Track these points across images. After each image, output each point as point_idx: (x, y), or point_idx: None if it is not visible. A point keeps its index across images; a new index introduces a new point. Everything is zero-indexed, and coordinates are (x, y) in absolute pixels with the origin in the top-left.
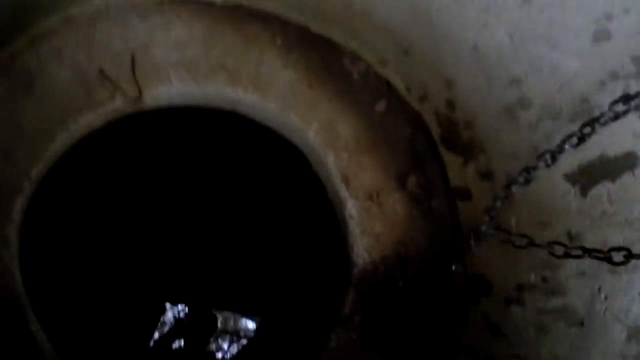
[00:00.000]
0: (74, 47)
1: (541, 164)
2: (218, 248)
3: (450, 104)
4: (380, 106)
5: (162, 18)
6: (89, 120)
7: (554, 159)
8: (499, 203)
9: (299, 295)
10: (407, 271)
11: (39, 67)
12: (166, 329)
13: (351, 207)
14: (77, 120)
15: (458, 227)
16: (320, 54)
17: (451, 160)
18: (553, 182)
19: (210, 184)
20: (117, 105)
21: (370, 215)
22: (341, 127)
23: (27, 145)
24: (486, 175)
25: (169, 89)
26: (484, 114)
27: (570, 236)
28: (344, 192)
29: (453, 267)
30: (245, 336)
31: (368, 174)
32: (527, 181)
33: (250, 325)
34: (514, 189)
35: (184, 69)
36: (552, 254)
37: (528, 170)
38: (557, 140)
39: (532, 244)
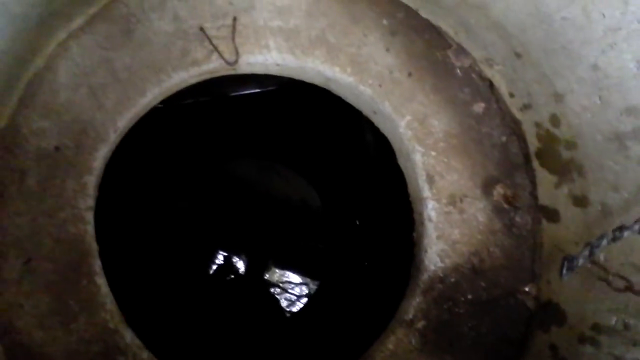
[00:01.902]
0: (177, 3)
1: None
2: (278, 225)
3: (555, 119)
4: (479, 107)
5: None
6: (181, 78)
7: None
8: (604, 242)
9: (362, 287)
10: (478, 284)
11: (141, 15)
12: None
13: (431, 209)
14: (170, 76)
15: (539, 247)
16: (425, 42)
17: (544, 178)
18: None
19: (285, 155)
20: (212, 67)
21: (449, 221)
22: (434, 123)
23: (117, 94)
24: (580, 201)
25: (266, 58)
26: (590, 138)
27: None
28: (426, 192)
29: (527, 289)
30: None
31: (454, 177)
32: None
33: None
34: (626, 234)
35: (284, 37)
36: None
37: None
38: None
39: (630, 289)
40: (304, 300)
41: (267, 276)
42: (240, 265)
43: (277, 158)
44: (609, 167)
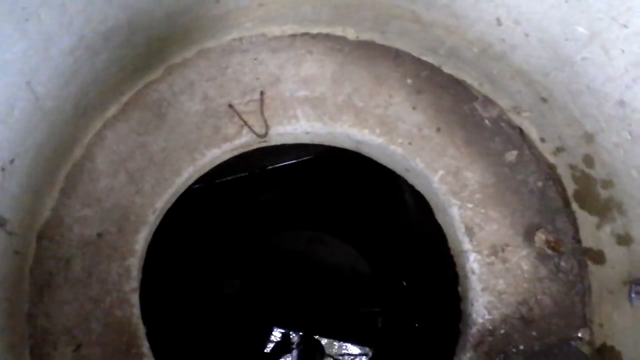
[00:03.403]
0: (206, 80)
1: None
2: (330, 293)
3: (589, 160)
4: (512, 156)
5: (293, 53)
6: (215, 155)
7: None
8: None
9: (415, 349)
10: (529, 334)
11: (172, 99)
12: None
13: (473, 262)
14: (204, 154)
15: (588, 291)
16: (451, 97)
17: (585, 219)
18: None
19: (328, 223)
20: (244, 141)
21: (493, 272)
22: (468, 175)
23: (154, 176)
24: (624, 239)
25: (295, 127)
26: (626, 174)
27: None
28: (466, 245)
29: (580, 334)
30: None
31: (494, 227)
32: None
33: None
34: None
35: (311, 106)
36: None
37: None
38: None
39: None
40: None
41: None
42: (297, 339)
43: (321, 227)
44: None
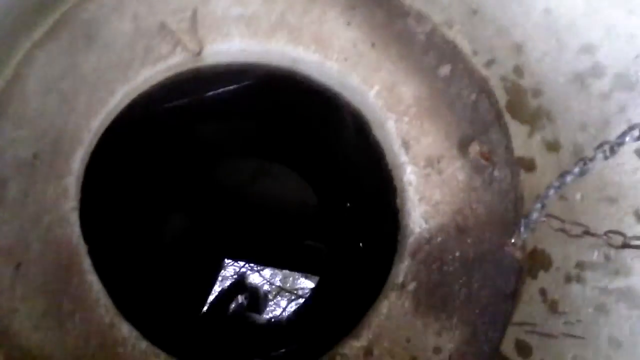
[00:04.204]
0: (136, 0)
1: (599, 156)
2: (273, 207)
3: (519, 70)
4: (445, 70)
5: None
6: (149, 74)
7: (612, 151)
8: (552, 192)
9: (353, 259)
10: (465, 241)
11: (102, 18)
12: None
13: (410, 173)
14: (138, 73)
15: (521, 198)
16: (384, 12)
17: (516, 129)
18: (623, 158)
19: (265, 144)
20: (178, 59)
21: (429, 183)
22: (403, 90)
23: (88, 97)
24: (553, 145)
25: (230, 45)
26: (553, 82)
27: (638, 215)
28: (403, 157)
29: (513, 240)
30: (302, 295)
31: (429, 140)
32: (583, 173)
33: (308, 284)
34: (568, 179)
35: (245, 24)
36: (610, 245)
37: (585, 161)
38: (630, 113)
39: (587, 232)
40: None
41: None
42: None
43: (266, 156)
44: (574, 107)
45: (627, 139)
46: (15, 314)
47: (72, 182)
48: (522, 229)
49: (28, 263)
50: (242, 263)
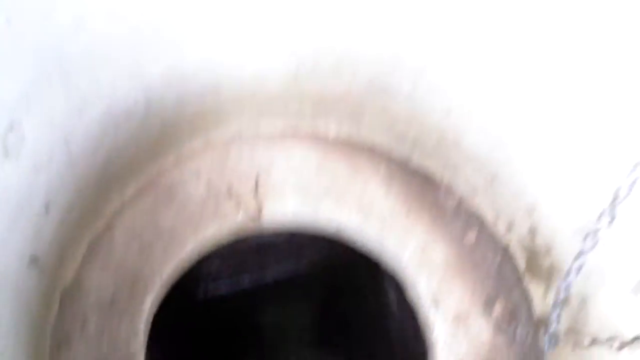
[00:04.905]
0: (210, 168)
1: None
2: None
3: (533, 230)
4: (471, 236)
5: (283, 145)
6: (215, 229)
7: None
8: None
9: None
10: None
11: (181, 184)
12: None
13: (439, 330)
14: (206, 228)
15: (541, 355)
16: (418, 185)
17: (535, 289)
18: None
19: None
20: (240, 218)
21: (456, 339)
22: (434, 253)
23: (162, 247)
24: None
25: (284, 207)
26: (562, 238)
27: None
28: (433, 315)
29: None
30: None
31: (457, 298)
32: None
33: None
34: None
35: (298, 190)
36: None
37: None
38: None
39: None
40: None
41: None
42: None
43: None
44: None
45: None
46: None
47: (142, 323)
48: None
49: None
50: None
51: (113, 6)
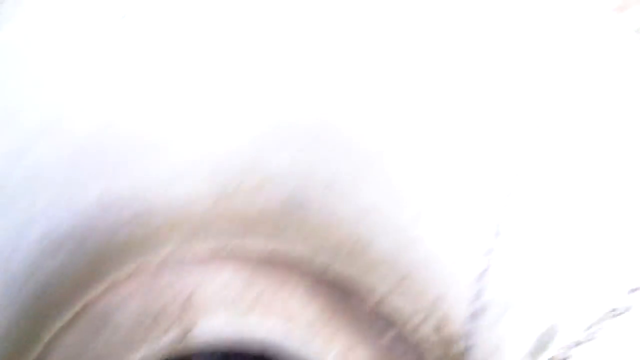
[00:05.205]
0: (143, 290)
1: None
2: None
3: (440, 323)
4: (387, 338)
5: (214, 264)
6: (144, 353)
7: None
8: None
9: None
10: None
11: (115, 308)
12: None
13: None
14: (140, 349)
15: None
16: (338, 292)
17: None
18: None
19: None
20: (172, 336)
21: None
22: (354, 356)
23: None
24: None
25: (212, 327)
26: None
27: None
28: None
29: None
30: None
31: None
32: None
33: None
34: None
35: (229, 304)
36: None
37: None
38: None
39: None
40: None
41: None
42: None
43: None
44: None
45: None
46: None
47: None
48: None
49: None
50: None
51: (53, 138)
